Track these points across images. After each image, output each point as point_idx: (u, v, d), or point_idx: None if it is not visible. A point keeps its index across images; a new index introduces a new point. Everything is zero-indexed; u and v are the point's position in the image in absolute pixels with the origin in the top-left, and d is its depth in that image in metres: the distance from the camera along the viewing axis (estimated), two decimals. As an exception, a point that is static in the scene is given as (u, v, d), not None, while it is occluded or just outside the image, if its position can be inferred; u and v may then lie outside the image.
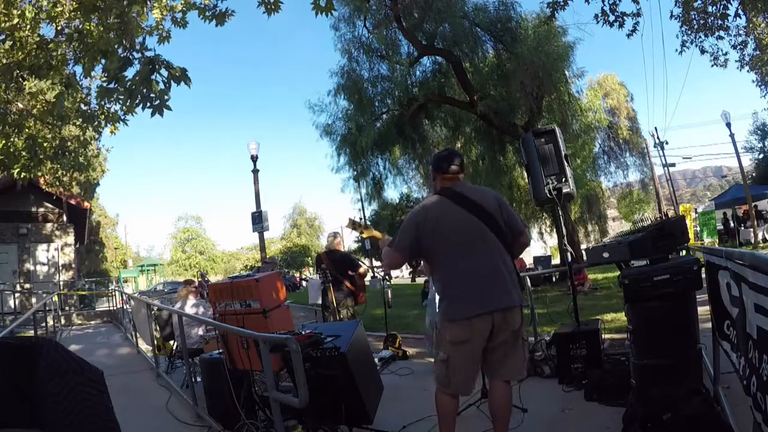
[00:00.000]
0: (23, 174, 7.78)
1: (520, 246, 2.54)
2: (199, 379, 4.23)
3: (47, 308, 8.83)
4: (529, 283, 5.54)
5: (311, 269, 41.86)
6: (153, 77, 3.56)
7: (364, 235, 3.32)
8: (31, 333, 6.77)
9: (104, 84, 3.85)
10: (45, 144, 7.75)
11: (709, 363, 2.95)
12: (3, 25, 5.39)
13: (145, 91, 3.59)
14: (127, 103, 3.86)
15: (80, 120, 7.25)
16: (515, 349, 2.37)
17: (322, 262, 5.51)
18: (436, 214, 2.42)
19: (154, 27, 5.20)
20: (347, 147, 13.57)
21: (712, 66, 8.40)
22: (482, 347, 2.33)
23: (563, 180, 4.28)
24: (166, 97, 3.62)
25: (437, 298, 2.61)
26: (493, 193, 2.57)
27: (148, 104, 3.63)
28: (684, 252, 3.84)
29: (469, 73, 12.04)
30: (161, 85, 3.60)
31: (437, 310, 2.58)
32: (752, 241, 15.16)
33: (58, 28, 5.04)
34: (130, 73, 3.71)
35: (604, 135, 19.96)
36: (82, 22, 4.53)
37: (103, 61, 4.25)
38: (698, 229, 16.91)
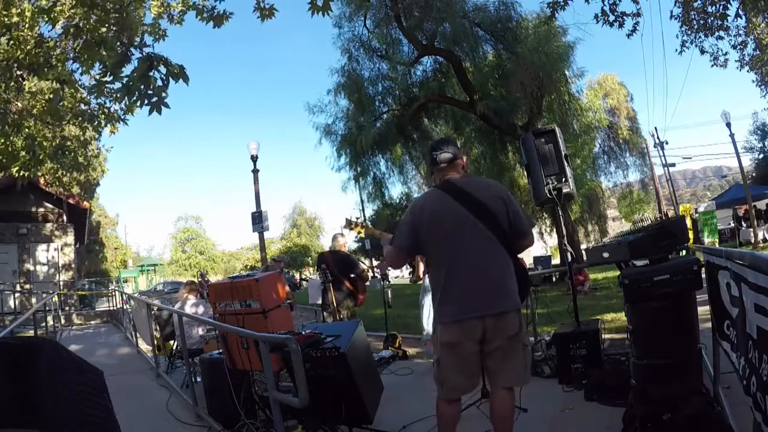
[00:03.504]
0: (23, 173, 7.78)
1: (521, 247, 2.36)
2: (199, 379, 4.23)
3: (47, 308, 8.84)
4: (529, 283, 5.53)
5: (311, 269, 41.85)
6: (151, 74, 3.55)
7: (362, 234, 3.31)
8: (31, 333, 6.76)
9: (100, 78, 3.85)
10: (45, 144, 7.75)
11: (709, 363, 2.95)
12: (2, 22, 5.39)
13: (143, 88, 3.58)
14: (125, 100, 3.86)
15: (80, 120, 7.25)
16: (513, 355, 2.21)
17: (324, 262, 5.52)
18: (431, 209, 2.28)
19: (151, 26, 5.20)
20: (348, 147, 13.56)
21: (712, 66, 8.40)
22: (476, 350, 2.21)
23: (563, 180, 4.28)
24: (163, 94, 3.61)
25: (428, 297, 2.55)
26: (498, 189, 2.35)
27: (146, 102, 3.62)
28: (684, 252, 3.84)
29: (470, 73, 12.04)
30: (159, 83, 3.60)
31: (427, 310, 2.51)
32: (752, 241, 15.15)
33: (57, 26, 5.03)
34: (127, 69, 3.71)
35: (604, 135, 19.99)
36: (81, 20, 4.52)
37: (101, 56, 4.23)
38: (698, 229, 16.88)
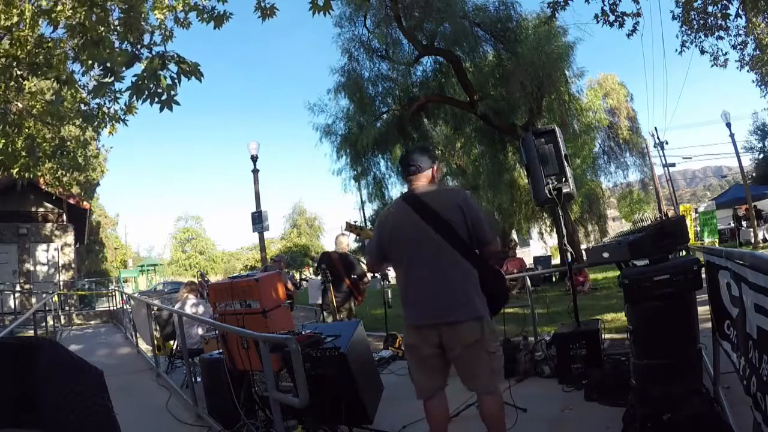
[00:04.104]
0: (23, 174, 7.77)
1: (487, 256, 2.42)
2: (199, 379, 4.23)
3: (47, 308, 8.84)
4: (529, 283, 5.53)
5: (311, 269, 41.85)
6: (161, 73, 3.56)
7: (362, 236, 3.34)
8: (31, 333, 6.77)
9: (101, 80, 3.84)
10: (44, 144, 7.74)
11: (709, 363, 2.95)
12: (2, 23, 5.38)
13: (152, 87, 3.59)
14: (134, 99, 3.86)
15: (80, 120, 7.24)
16: (475, 363, 2.25)
17: (325, 262, 5.52)
18: (392, 221, 2.46)
19: (156, 26, 5.19)
20: (348, 147, 13.55)
21: (712, 66, 8.40)
22: (435, 353, 2.29)
23: (563, 180, 4.28)
24: (173, 92, 3.62)
25: None
26: (457, 199, 2.35)
27: (156, 100, 3.62)
28: (684, 252, 3.84)
29: (470, 73, 12.03)
30: (169, 81, 3.61)
31: None
32: (752, 241, 15.14)
33: (57, 25, 5.02)
34: (136, 69, 3.72)
35: (604, 135, 19.95)
36: (82, 20, 4.51)
37: (102, 56, 4.21)
38: (698, 229, 16.89)
